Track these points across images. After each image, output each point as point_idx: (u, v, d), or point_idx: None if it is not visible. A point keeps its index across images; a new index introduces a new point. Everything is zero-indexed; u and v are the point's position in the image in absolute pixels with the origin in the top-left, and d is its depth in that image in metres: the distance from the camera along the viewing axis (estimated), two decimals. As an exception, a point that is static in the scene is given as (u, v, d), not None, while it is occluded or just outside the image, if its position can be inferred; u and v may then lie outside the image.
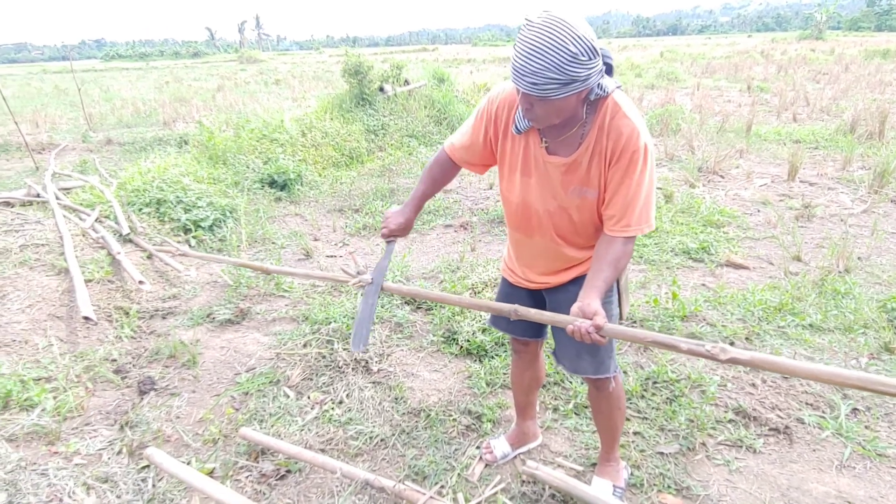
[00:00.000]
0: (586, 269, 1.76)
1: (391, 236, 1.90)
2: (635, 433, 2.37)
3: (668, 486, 2.09)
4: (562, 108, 1.39)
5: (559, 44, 1.26)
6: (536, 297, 1.90)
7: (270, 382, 2.83)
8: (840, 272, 3.72)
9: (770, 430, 2.35)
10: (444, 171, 1.91)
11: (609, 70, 1.47)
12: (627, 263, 1.54)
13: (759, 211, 5.17)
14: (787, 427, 2.35)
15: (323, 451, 2.34)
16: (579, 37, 1.27)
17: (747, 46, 31.82)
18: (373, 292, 1.91)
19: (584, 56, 1.29)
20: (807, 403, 2.49)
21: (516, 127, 1.59)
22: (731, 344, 2.94)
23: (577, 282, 1.77)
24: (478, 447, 2.33)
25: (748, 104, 11.31)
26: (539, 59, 1.28)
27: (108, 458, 2.31)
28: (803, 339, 2.95)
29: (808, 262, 4.01)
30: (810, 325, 3.09)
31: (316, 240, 5.02)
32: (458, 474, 2.18)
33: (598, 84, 1.42)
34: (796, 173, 6.09)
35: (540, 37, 1.27)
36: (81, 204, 4.94)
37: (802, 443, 2.29)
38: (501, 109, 1.64)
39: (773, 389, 2.57)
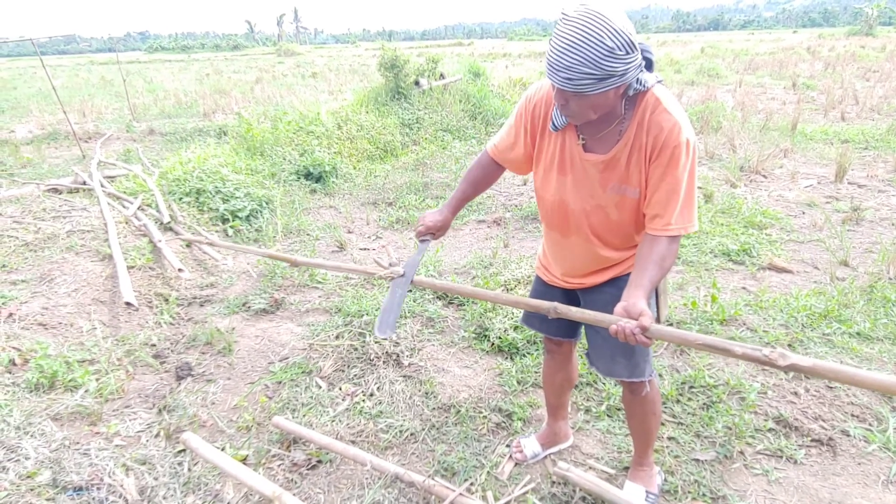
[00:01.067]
0: (623, 270, 1.72)
1: (426, 234, 1.86)
2: (670, 438, 2.31)
3: (704, 494, 2.04)
4: (598, 103, 1.36)
5: (595, 38, 1.23)
6: (571, 297, 1.87)
7: (303, 372, 2.86)
8: (891, 278, 3.57)
9: (812, 441, 2.27)
10: (486, 173, 1.87)
11: (649, 65, 1.42)
12: (673, 263, 1.49)
13: (804, 213, 4.99)
14: (830, 439, 2.26)
15: (353, 442, 2.36)
16: (616, 30, 1.24)
17: (793, 42, 30.71)
18: (402, 284, 1.87)
19: (620, 51, 1.25)
20: (852, 415, 2.39)
21: (553, 124, 1.56)
22: (773, 350, 2.84)
23: (614, 283, 1.73)
24: (508, 445, 2.32)
25: (793, 102, 10.93)
26: (574, 53, 1.24)
27: (147, 441, 2.38)
28: (850, 348, 2.84)
29: (856, 268, 3.86)
30: (858, 334, 2.97)
31: (350, 232, 5.06)
32: (488, 472, 2.17)
33: (637, 79, 1.38)
34: (844, 174, 5.85)
35: (575, 31, 1.24)
36: (125, 192, 5.09)
37: (847, 455, 2.20)
38: (539, 107, 1.61)
39: (817, 399, 2.48)
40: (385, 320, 1.76)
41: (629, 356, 1.75)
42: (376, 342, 3.00)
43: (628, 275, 1.70)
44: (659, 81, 1.45)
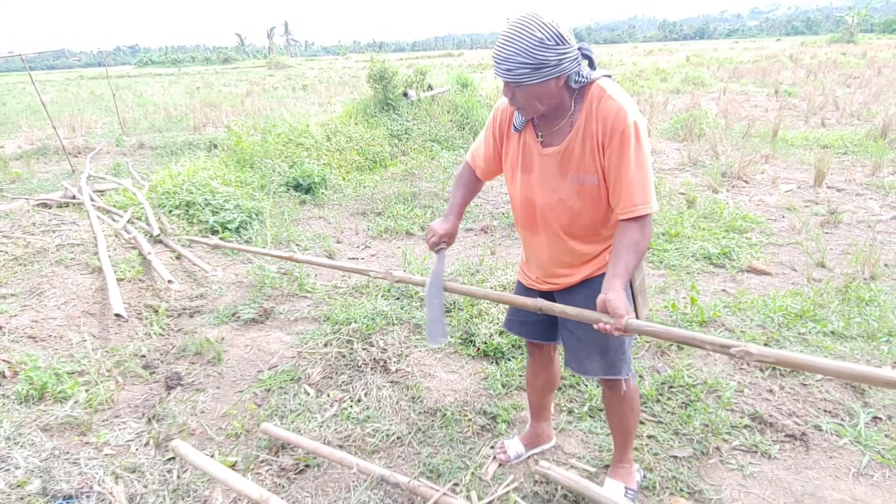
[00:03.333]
0: (594, 270, 1.78)
1: (440, 243, 1.90)
2: (649, 436, 2.38)
3: (681, 490, 2.10)
4: (540, 94, 1.49)
5: (526, 31, 1.42)
6: (548, 300, 1.93)
7: (292, 380, 2.91)
8: (865, 279, 3.66)
9: (786, 436, 2.34)
10: (472, 178, 1.98)
11: (591, 63, 1.56)
12: (647, 245, 1.57)
13: (783, 217, 5.10)
14: (803, 434, 2.33)
15: (341, 447, 2.40)
16: (544, 24, 1.42)
17: (776, 50, 31.21)
18: (437, 294, 1.91)
19: (549, 41, 1.41)
20: (825, 411, 2.47)
21: (514, 125, 1.70)
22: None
23: (587, 284, 1.80)
24: (492, 447, 2.37)
25: (775, 109, 11.12)
26: (509, 46, 1.43)
27: (136, 450, 2.41)
28: (824, 347, 2.92)
29: (832, 269, 3.96)
30: (832, 333, 3.05)
31: (339, 242, 5.12)
32: (472, 473, 2.22)
33: (578, 72, 1.51)
34: (823, 179, 5.98)
35: (511, 28, 1.44)
36: (115, 205, 5.12)
37: (819, 450, 2.27)
38: (503, 113, 1.76)
39: (791, 396, 2.55)
40: (435, 329, 1.84)
41: (604, 354, 1.81)
42: (364, 349, 3.05)
43: (600, 277, 1.77)
44: (607, 76, 1.57)
